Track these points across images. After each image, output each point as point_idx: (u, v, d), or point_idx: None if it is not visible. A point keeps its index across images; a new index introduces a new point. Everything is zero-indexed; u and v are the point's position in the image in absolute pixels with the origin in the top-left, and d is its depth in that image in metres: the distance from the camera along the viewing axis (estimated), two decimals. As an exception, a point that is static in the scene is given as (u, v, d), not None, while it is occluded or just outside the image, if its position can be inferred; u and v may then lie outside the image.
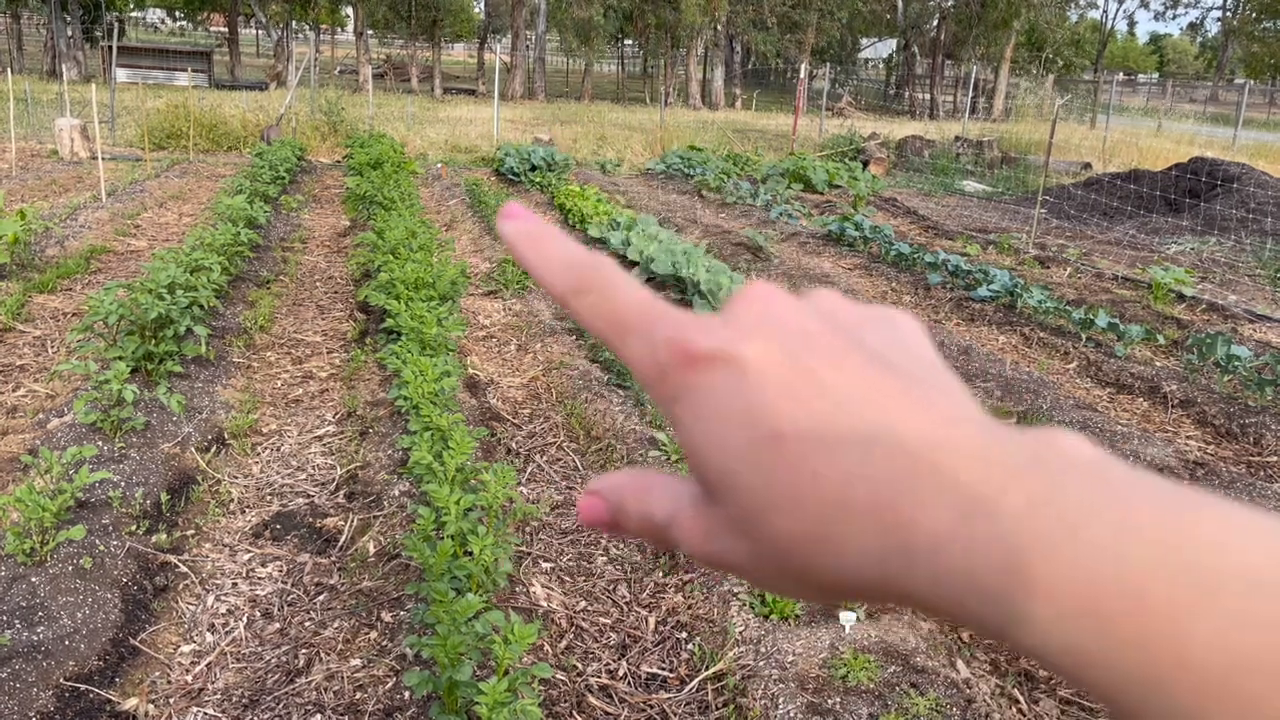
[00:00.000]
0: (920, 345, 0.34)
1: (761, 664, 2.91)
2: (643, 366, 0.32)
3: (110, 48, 21.20)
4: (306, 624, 3.18)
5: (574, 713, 2.82)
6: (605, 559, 3.68)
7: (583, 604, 3.38)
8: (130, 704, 2.73)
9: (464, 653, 2.43)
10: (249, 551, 3.63)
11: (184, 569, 3.43)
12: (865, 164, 17.11)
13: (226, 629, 3.15)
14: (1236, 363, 5.68)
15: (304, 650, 3.03)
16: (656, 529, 0.33)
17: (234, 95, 22.68)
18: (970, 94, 33.21)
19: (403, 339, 4.99)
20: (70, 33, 30.58)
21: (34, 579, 2.99)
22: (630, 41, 44.97)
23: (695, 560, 0.32)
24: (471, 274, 7.52)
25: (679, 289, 7.43)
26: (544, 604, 3.34)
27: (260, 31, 51.63)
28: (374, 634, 3.09)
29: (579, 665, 3.04)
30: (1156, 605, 0.23)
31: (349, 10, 40.16)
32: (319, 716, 2.73)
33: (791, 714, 2.70)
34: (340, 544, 3.68)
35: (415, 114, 21.69)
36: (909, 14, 39.35)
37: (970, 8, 35.19)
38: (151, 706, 2.75)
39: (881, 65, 58.05)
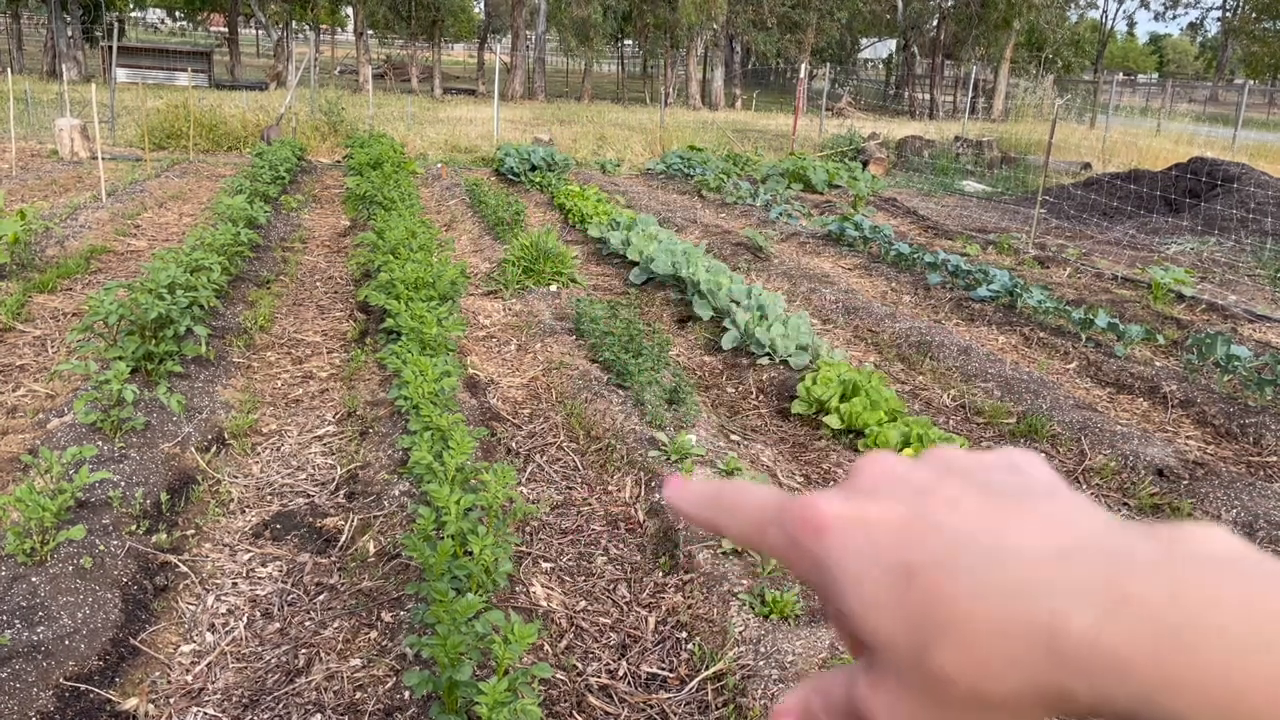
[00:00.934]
0: (1038, 471, 0.36)
1: (761, 664, 2.91)
2: (783, 550, 0.35)
3: (110, 48, 21.21)
4: (306, 624, 3.18)
5: (574, 712, 2.82)
6: (605, 559, 3.68)
7: (583, 604, 3.38)
8: (130, 704, 2.73)
9: (464, 652, 2.43)
10: (249, 551, 3.63)
11: (184, 569, 3.44)
12: (865, 164, 17.11)
13: (226, 629, 3.15)
14: (1236, 363, 5.68)
15: (304, 650, 3.03)
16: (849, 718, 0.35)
17: (234, 95, 22.68)
18: (970, 94, 33.21)
19: (403, 339, 5.00)
20: (70, 33, 30.58)
21: (34, 579, 2.99)
22: (630, 42, 44.97)
23: None
24: (471, 274, 7.53)
25: (679, 289, 7.43)
26: (544, 604, 3.35)
27: (260, 31, 51.64)
28: (374, 634, 3.09)
29: (579, 665, 3.04)
30: None
31: (349, 10, 40.17)
32: (319, 716, 2.73)
33: (791, 714, 2.70)
34: (340, 544, 3.68)
35: (415, 114, 21.69)
36: (909, 14, 39.35)
37: (970, 8, 35.19)
38: (151, 706, 2.75)
39: (881, 65, 58.06)
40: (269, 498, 4.06)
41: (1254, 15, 46.43)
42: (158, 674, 2.90)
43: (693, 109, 34.98)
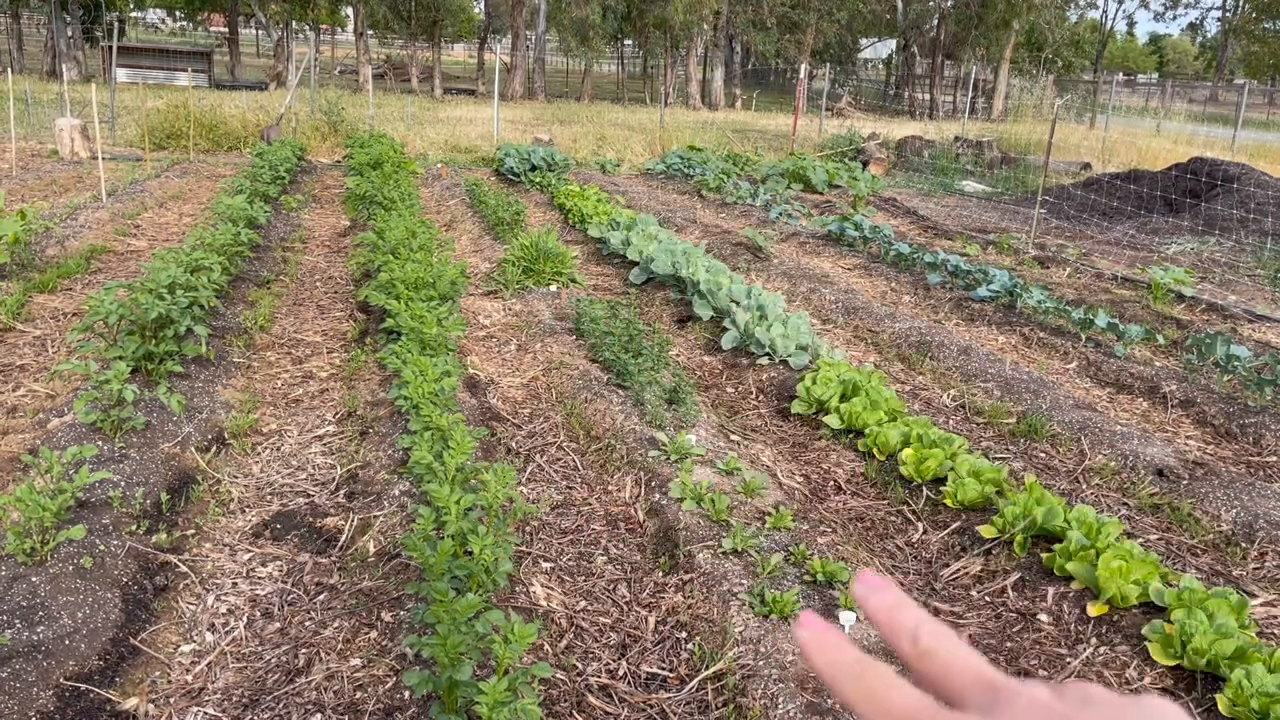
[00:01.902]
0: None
1: (761, 664, 2.91)
2: None
3: (110, 48, 21.21)
4: (306, 624, 3.18)
5: (574, 712, 2.82)
6: (605, 559, 3.68)
7: (583, 604, 3.38)
8: (130, 704, 2.73)
9: (464, 652, 2.43)
10: (249, 551, 3.63)
11: (184, 569, 3.44)
12: (865, 164, 17.11)
13: (227, 629, 3.15)
14: (1236, 363, 5.68)
15: (304, 650, 3.03)
16: None
17: (234, 95, 22.68)
18: (970, 94, 33.20)
19: (403, 339, 5.00)
20: (70, 33, 30.57)
21: (34, 579, 2.99)
22: (630, 42, 44.96)
23: None
24: (471, 274, 7.53)
25: (679, 289, 7.43)
26: (544, 604, 3.35)
27: (260, 31, 51.63)
28: (374, 634, 3.09)
29: (579, 665, 3.04)
30: None
31: (349, 10, 40.15)
32: (319, 716, 2.73)
33: (791, 714, 2.70)
34: (340, 544, 3.69)
35: (415, 114, 21.69)
36: (909, 14, 39.33)
37: (970, 8, 35.17)
38: (151, 706, 2.75)
39: (881, 65, 58.04)
40: (269, 497, 4.06)
41: (1254, 15, 46.43)
42: (158, 674, 2.90)
43: (693, 109, 34.97)
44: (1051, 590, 3.49)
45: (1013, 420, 5.24)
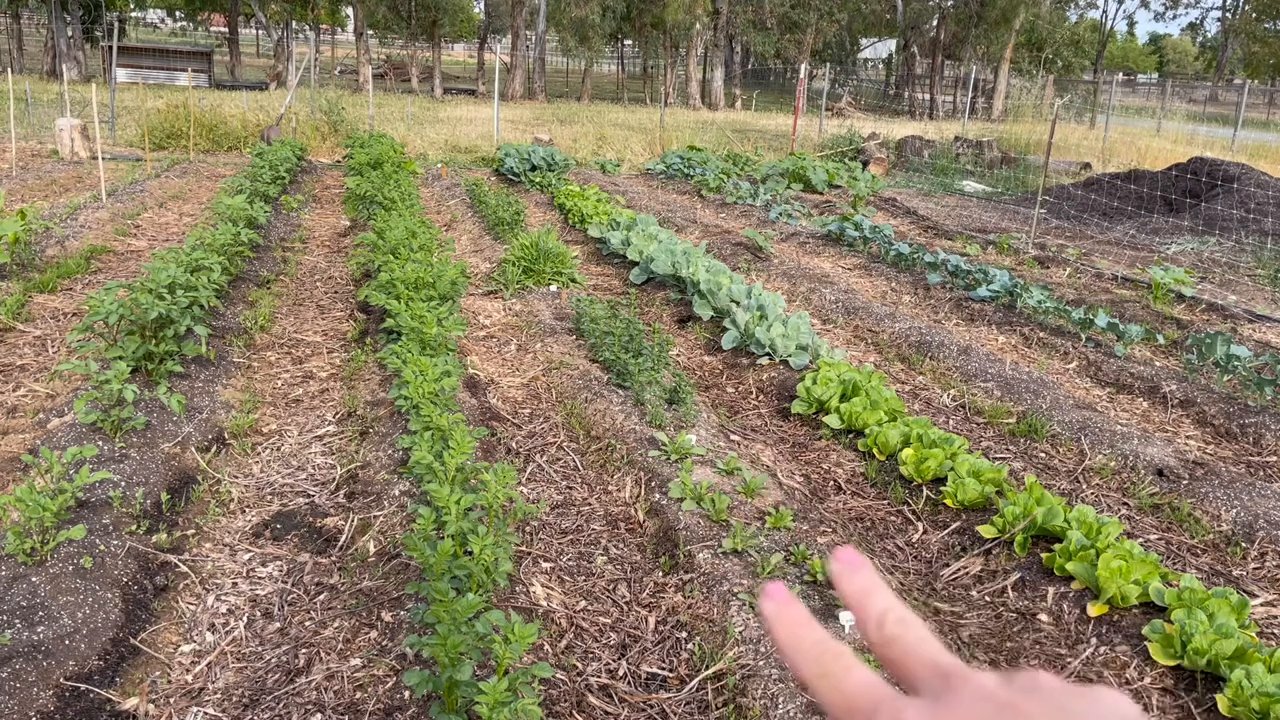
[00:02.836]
0: (1122, 710, 0.38)
1: (761, 664, 2.91)
2: None
3: (110, 48, 21.21)
4: (307, 624, 3.18)
5: (574, 712, 2.82)
6: (605, 559, 3.68)
7: (583, 604, 3.38)
8: (130, 703, 2.73)
9: (464, 652, 2.43)
10: (249, 551, 3.63)
11: (184, 569, 3.44)
12: (865, 164, 17.11)
13: (227, 629, 3.15)
14: (1236, 363, 5.68)
15: (304, 650, 3.03)
16: None
17: (234, 95, 22.68)
18: (970, 94, 33.19)
19: (403, 339, 5.00)
20: (70, 33, 30.57)
21: (34, 579, 2.99)
22: (630, 42, 44.95)
23: None
24: (471, 274, 7.53)
25: (679, 289, 7.43)
26: (544, 604, 3.35)
27: (260, 31, 51.64)
28: (374, 634, 3.09)
29: (579, 665, 3.04)
30: None
31: (349, 10, 40.15)
32: (319, 716, 2.73)
33: (791, 714, 2.70)
34: (340, 544, 3.68)
35: (415, 114, 21.68)
36: (909, 14, 39.31)
37: (970, 7, 35.17)
38: (151, 706, 2.75)
39: (881, 65, 58.04)
40: (269, 497, 4.06)
41: (1254, 15, 46.42)
42: (158, 674, 2.90)
43: (692, 109, 34.98)
44: (1051, 590, 3.49)
45: (1013, 420, 5.24)
